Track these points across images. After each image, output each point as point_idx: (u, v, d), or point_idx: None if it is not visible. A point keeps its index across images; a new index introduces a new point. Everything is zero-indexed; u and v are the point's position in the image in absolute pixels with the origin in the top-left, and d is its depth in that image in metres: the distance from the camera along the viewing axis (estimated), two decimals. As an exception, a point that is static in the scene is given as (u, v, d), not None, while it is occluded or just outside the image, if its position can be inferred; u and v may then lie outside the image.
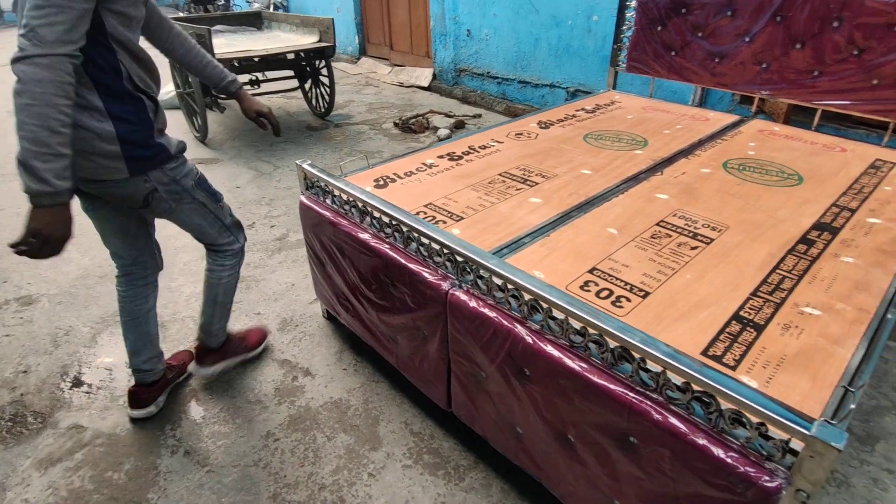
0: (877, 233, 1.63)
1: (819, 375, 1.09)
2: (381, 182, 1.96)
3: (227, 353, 1.98)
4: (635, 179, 1.97)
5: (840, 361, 1.13)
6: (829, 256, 1.50)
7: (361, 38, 7.69)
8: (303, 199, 1.92)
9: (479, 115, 4.91)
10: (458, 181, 1.97)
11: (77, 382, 1.98)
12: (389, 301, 1.64)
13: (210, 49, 3.82)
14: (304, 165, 1.89)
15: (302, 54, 4.32)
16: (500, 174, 2.03)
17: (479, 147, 2.31)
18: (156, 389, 1.83)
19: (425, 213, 1.73)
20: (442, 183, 1.96)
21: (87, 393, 1.94)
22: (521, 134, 2.48)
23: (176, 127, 4.82)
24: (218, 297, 1.85)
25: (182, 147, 1.54)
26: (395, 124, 4.63)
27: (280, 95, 5.57)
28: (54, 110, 1.14)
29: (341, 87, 6.26)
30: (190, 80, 4.07)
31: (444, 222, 1.67)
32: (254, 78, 4.44)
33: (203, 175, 1.63)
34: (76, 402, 1.89)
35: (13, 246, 1.23)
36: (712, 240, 1.58)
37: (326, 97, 4.77)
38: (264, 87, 4.61)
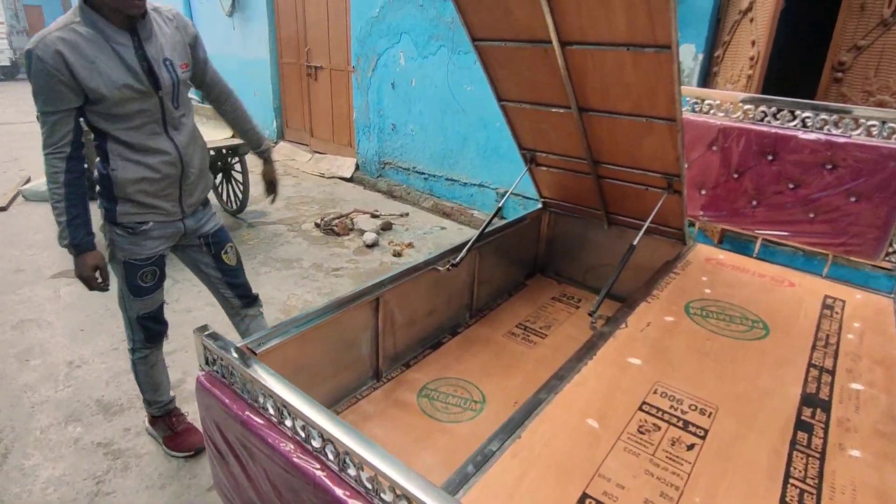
0: (866, 404, 1.49)
1: None
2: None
3: (155, 426, 2.11)
4: (601, 336, 1.75)
5: None
6: (834, 449, 1.31)
7: (280, 123, 7.43)
8: (200, 377, 1.49)
9: (407, 214, 4.69)
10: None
11: None
12: (317, 538, 1.23)
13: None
14: (204, 337, 1.48)
15: (213, 152, 3.93)
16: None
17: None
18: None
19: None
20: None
21: None
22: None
23: (48, 225, 4.15)
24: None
25: (129, 224, 1.71)
26: (317, 225, 4.28)
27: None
28: (50, 192, 1.59)
29: (257, 176, 5.85)
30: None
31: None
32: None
33: (136, 265, 1.76)
34: None
35: None
36: (706, 431, 1.35)
37: (239, 194, 4.35)
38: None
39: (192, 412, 2.22)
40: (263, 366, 1.39)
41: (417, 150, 5.11)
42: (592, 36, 1.75)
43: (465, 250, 2.33)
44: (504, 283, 2.97)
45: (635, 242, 2.13)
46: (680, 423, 1.37)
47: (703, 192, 2.50)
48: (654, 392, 1.49)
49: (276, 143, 7.41)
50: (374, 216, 4.51)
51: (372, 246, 3.95)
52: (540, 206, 3.05)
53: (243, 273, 2.03)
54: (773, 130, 2.25)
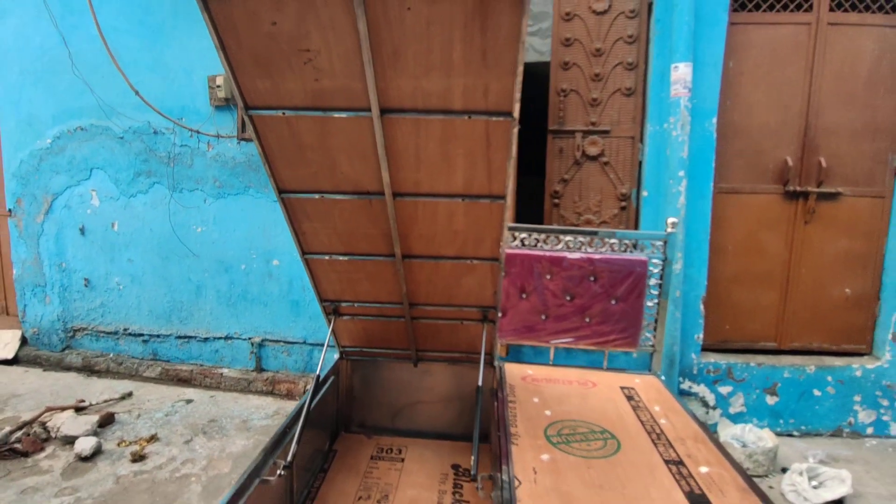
0: (725, 486, 1.70)
1: None
2: None
3: None
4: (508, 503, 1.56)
5: None
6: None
7: None
8: None
9: (130, 394, 3.56)
10: None
11: None
12: None
13: None
14: None
15: None
16: None
17: None
18: None
19: None
20: None
21: None
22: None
23: None
24: None
25: None
26: (-18, 447, 2.82)
27: None
28: None
29: None
30: None
31: None
32: None
33: None
34: None
35: None
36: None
37: None
38: None
39: None
40: None
41: (129, 307, 4.05)
42: (427, 188, 1.70)
43: (294, 443, 1.83)
44: (313, 460, 2.46)
45: (480, 383, 2.06)
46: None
47: (500, 314, 2.66)
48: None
49: None
50: (79, 409, 3.24)
51: (92, 456, 2.78)
52: (337, 356, 2.72)
53: None
54: (547, 254, 2.59)
